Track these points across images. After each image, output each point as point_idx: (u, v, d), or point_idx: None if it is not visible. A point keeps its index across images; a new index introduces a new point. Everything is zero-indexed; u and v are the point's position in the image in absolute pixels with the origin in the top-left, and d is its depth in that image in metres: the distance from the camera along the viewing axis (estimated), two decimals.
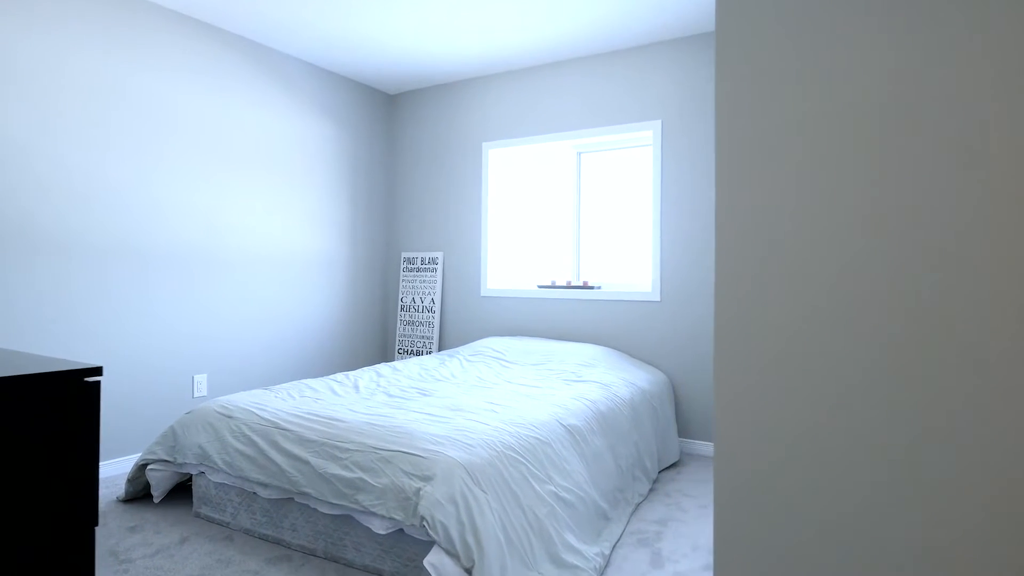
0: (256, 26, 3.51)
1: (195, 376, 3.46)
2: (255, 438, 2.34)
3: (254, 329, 3.77)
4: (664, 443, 3.20)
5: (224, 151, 3.58)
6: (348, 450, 2.09)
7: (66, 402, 1.32)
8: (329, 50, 3.86)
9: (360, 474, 2.01)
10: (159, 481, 2.62)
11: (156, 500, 2.64)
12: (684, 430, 3.57)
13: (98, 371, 1.37)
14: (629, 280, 4.00)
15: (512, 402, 2.59)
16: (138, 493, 2.73)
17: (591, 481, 2.36)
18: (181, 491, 2.83)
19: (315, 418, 2.34)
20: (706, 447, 3.50)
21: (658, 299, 3.64)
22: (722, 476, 1.11)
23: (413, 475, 1.90)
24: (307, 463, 2.15)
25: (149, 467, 2.61)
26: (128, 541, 2.32)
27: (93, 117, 2.99)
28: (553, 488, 2.10)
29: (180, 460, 2.54)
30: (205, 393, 3.51)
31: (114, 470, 3.09)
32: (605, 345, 3.82)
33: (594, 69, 3.88)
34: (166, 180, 3.30)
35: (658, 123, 3.67)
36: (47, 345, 2.83)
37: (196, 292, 3.45)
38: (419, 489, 1.86)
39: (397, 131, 4.73)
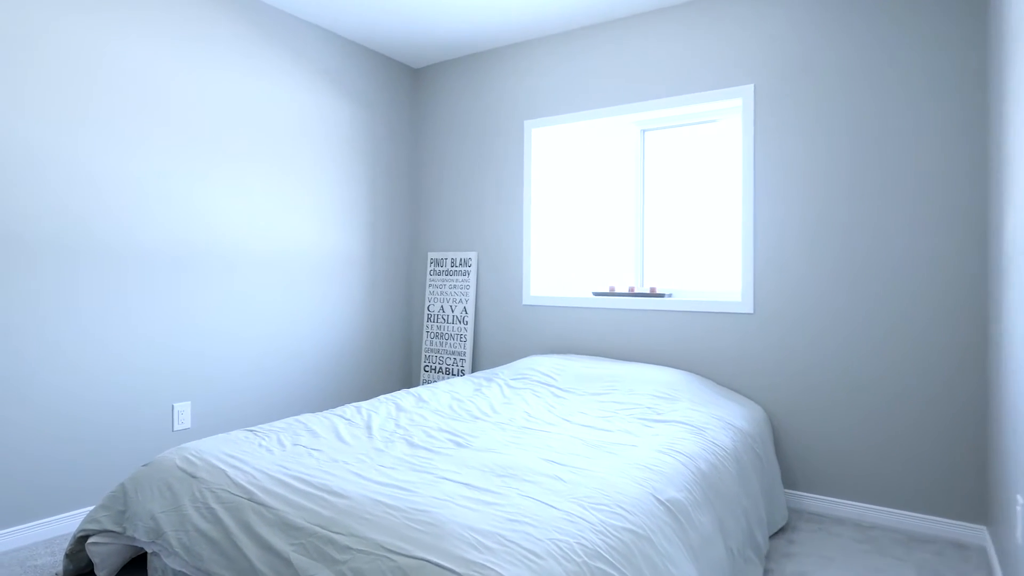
0: None
1: (176, 405, 2.80)
2: (221, 514, 1.65)
3: (251, 345, 3.11)
4: (771, 502, 2.44)
5: (218, 131, 2.92)
6: (347, 548, 1.38)
7: None
8: (344, 13, 3.18)
9: None
10: (104, 558, 1.95)
11: None
12: (788, 480, 2.80)
13: None
14: (710, 286, 3.23)
15: (581, 460, 1.86)
16: (82, 570, 2.07)
17: None
18: (139, 565, 2.16)
19: (306, 487, 1.64)
20: (818, 502, 2.72)
21: (750, 310, 2.88)
22: None
23: None
24: (287, 562, 1.45)
25: (91, 540, 1.94)
26: None
27: (61, 91, 2.35)
28: None
29: (130, 532, 1.87)
30: (189, 426, 2.85)
31: (75, 525, 2.44)
32: (681, 368, 3.06)
33: (662, 25, 3.13)
34: (148, 165, 2.64)
35: (749, 88, 2.90)
36: (2, 363, 2.20)
37: (181, 300, 2.80)
38: None
39: (422, 110, 4.03)
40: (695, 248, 3.29)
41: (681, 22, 3.08)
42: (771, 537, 2.45)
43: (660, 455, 1.92)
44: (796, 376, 2.77)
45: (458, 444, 2.04)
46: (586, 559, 1.29)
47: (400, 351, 4.01)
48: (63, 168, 2.42)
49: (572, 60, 3.41)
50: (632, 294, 3.23)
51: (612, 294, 3.30)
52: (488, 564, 1.23)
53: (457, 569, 1.23)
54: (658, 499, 1.64)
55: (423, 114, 4.03)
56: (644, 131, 3.44)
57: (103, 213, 2.53)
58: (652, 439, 2.09)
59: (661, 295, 3.14)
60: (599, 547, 1.34)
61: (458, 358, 3.80)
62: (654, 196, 3.42)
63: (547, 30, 3.42)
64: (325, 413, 2.40)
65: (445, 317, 3.87)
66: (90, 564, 2.08)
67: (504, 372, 3.09)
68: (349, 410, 2.45)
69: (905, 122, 2.56)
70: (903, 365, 2.55)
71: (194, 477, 1.81)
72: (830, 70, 2.71)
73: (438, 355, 3.89)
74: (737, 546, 1.95)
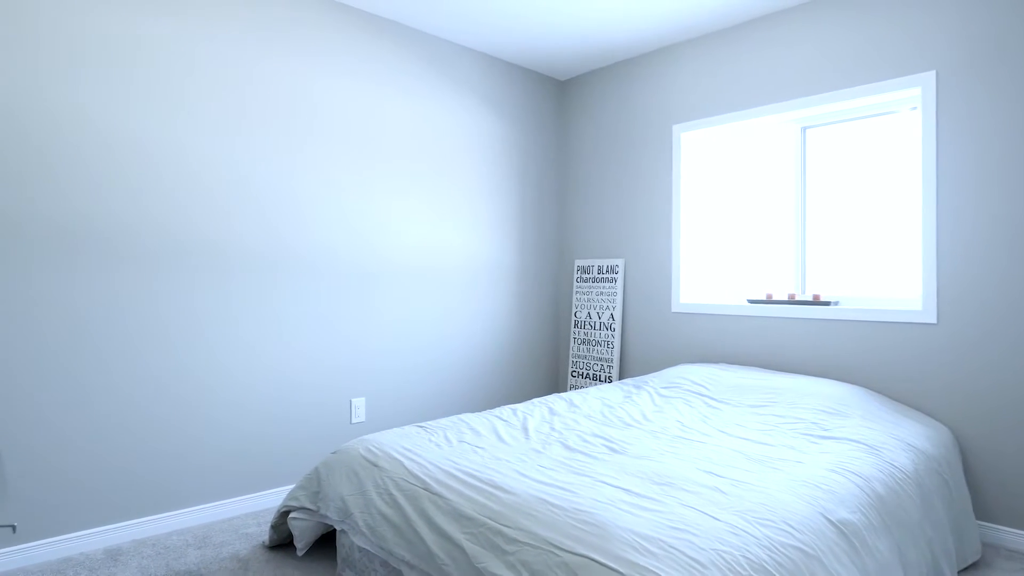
0: (409, 9, 3.11)
1: (353, 400, 3.13)
2: (401, 501, 1.84)
3: (416, 350, 3.38)
4: (961, 534, 2.20)
5: (376, 146, 3.23)
6: (515, 541, 1.49)
7: None
8: (491, 33, 3.37)
9: None
10: (302, 532, 2.24)
11: (299, 553, 2.27)
12: (981, 511, 2.50)
13: None
14: (884, 293, 2.98)
15: (742, 473, 1.82)
16: (283, 540, 2.40)
17: None
18: (331, 540, 2.45)
19: (474, 481, 1.78)
20: (1020, 539, 2.40)
21: (933, 320, 2.61)
22: None
23: None
24: (460, 549, 1.58)
25: (291, 515, 2.25)
26: None
27: (225, 107, 2.75)
28: None
29: (323, 511, 2.14)
30: (363, 419, 3.17)
31: (273, 501, 2.83)
32: (849, 381, 2.85)
33: (822, 14, 2.94)
34: (310, 179, 3.00)
35: (930, 76, 2.64)
36: (205, 357, 2.63)
37: (360, 308, 3.13)
38: None
39: (569, 121, 4.13)
40: (865, 253, 3.05)
41: (844, 8, 2.88)
42: (960, 573, 2.21)
43: (830, 473, 1.82)
44: (991, 394, 2.47)
45: (613, 450, 2.08)
46: (751, 572, 1.28)
47: (548, 356, 4.13)
48: (225, 180, 2.82)
49: (722, 60, 3.32)
50: (793, 301, 3.06)
51: (769, 301, 3.15)
52: (651, 568, 1.26)
53: (621, 569, 1.28)
54: (828, 519, 1.56)
55: (569, 124, 4.13)
56: (805, 128, 3.25)
57: (267, 223, 2.91)
58: (820, 456, 1.98)
59: (826, 303, 2.95)
60: (765, 562, 1.32)
61: (605, 364, 3.83)
62: (816, 197, 3.22)
63: (694, 32, 3.36)
64: (484, 413, 2.56)
65: (592, 324, 3.93)
66: (290, 536, 2.40)
67: (654, 380, 3.07)
68: (506, 411, 2.59)
69: None
70: None
71: (376, 466, 2.03)
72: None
73: (585, 361, 3.95)
74: None
